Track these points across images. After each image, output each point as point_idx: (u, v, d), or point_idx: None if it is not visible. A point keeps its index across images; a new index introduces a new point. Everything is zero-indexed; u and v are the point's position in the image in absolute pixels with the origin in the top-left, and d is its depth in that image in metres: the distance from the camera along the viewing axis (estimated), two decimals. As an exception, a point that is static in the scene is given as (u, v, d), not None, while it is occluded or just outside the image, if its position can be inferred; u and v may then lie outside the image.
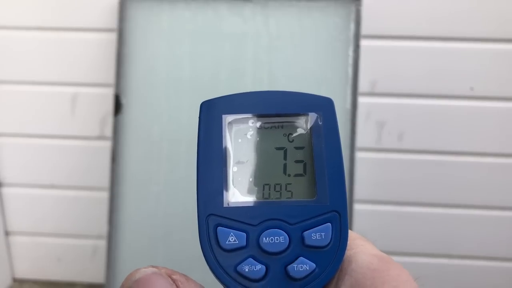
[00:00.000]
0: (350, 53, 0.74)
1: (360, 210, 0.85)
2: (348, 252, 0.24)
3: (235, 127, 0.26)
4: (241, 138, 0.26)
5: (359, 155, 0.82)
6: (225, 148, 0.25)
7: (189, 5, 0.76)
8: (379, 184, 0.84)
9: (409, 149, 0.82)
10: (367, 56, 0.77)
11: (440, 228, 0.86)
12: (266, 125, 0.26)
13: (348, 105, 0.74)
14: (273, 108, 0.26)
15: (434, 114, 0.81)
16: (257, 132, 0.26)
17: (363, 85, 0.79)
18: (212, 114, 0.25)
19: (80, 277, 0.96)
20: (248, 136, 0.26)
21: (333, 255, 0.23)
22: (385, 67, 0.79)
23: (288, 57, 0.75)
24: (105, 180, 0.84)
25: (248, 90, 0.78)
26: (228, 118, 0.25)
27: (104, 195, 0.85)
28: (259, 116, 0.26)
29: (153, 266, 0.23)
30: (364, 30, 0.76)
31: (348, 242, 0.24)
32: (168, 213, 0.77)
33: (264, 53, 0.75)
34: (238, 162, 0.25)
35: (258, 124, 0.26)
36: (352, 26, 0.74)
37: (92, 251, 0.93)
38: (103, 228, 0.82)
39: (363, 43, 0.76)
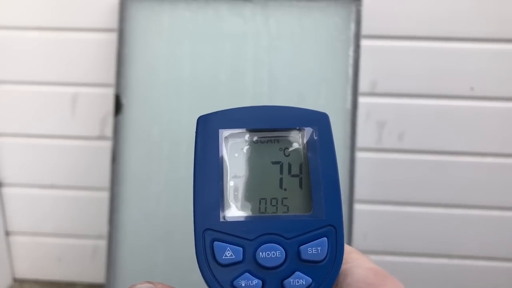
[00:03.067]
0: (351, 53, 0.74)
1: (360, 210, 0.85)
2: (344, 266, 0.24)
3: (231, 142, 0.26)
4: (237, 153, 0.26)
5: (359, 155, 0.82)
6: (222, 162, 0.25)
7: (190, 5, 0.76)
8: (379, 184, 0.84)
9: (409, 149, 0.82)
10: (367, 56, 0.77)
11: (440, 228, 0.86)
12: (262, 140, 0.26)
13: (348, 105, 0.74)
14: (269, 122, 0.26)
15: (434, 114, 0.81)
16: (253, 146, 0.26)
17: (363, 85, 0.79)
18: (209, 128, 0.26)
19: (80, 277, 0.96)
20: (245, 151, 0.26)
21: (329, 270, 0.23)
22: (385, 67, 0.79)
23: (288, 57, 0.75)
24: (105, 180, 0.84)
25: (248, 91, 0.78)
26: (224, 133, 0.26)
27: (104, 195, 0.85)
28: (256, 130, 0.26)
29: (149, 282, 0.23)
30: (364, 30, 0.76)
31: (343, 256, 0.24)
32: (168, 213, 0.77)
33: (264, 53, 0.75)
34: (234, 176, 0.25)
35: (255, 138, 0.26)
36: (352, 26, 0.74)
37: (92, 251, 0.93)
38: (103, 228, 0.82)
39: (364, 43, 0.76)
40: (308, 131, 0.26)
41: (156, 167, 0.77)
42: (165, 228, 0.77)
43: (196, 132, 0.26)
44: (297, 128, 0.26)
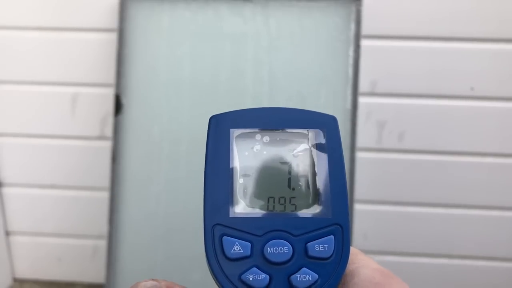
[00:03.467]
0: (351, 53, 0.74)
1: (360, 210, 0.85)
2: (351, 266, 0.24)
3: (242, 141, 0.27)
4: (247, 152, 0.26)
5: (359, 155, 0.82)
6: (232, 160, 0.26)
7: (190, 5, 0.76)
8: (379, 184, 0.84)
9: (409, 149, 0.83)
10: (367, 56, 0.77)
11: (440, 228, 0.86)
12: (272, 140, 0.27)
13: (348, 105, 0.74)
14: (279, 123, 0.27)
15: (434, 114, 0.81)
16: (263, 146, 0.27)
17: (363, 85, 0.79)
18: (220, 128, 0.26)
19: (80, 277, 0.96)
20: (255, 150, 0.27)
21: (335, 267, 0.24)
22: (386, 67, 0.79)
23: (288, 57, 0.75)
24: (105, 180, 0.84)
25: (248, 91, 0.78)
26: (235, 132, 0.26)
27: (104, 195, 0.85)
28: (266, 131, 0.27)
29: (153, 279, 0.23)
30: (364, 30, 0.76)
31: (350, 257, 0.24)
32: (168, 213, 0.77)
33: (265, 53, 0.75)
34: (244, 175, 0.26)
35: (265, 138, 0.27)
36: (352, 26, 0.74)
37: (92, 251, 0.93)
38: (103, 228, 0.82)
39: (364, 43, 0.76)
40: (317, 133, 0.27)
41: (156, 167, 0.77)
42: (165, 228, 0.77)
43: (208, 131, 0.26)
44: (306, 129, 0.27)
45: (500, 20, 0.76)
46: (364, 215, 0.85)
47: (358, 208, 0.85)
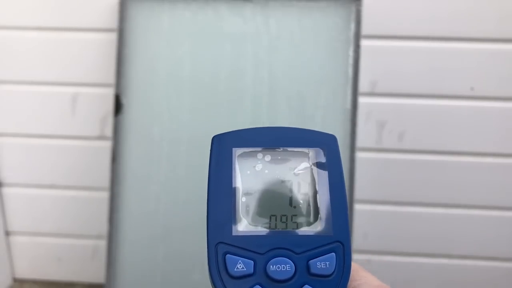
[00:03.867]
0: (351, 53, 0.74)
1: (360, 210, 0.85)
2: (353, 283, 0.25)
3: (244, 160, 0.27)
4: (249, 170, 0.27)
5: (359, 155, 0.82)
6: (235, 179, 0.26)
7: (190, 5, 0.76)
8: (379, 184, 0.84)
9: (409, 149, 0.83)
10: (367, 56, 0.77)
11: (440, 228, 0.86)
12: (274, 159, 0.27)
13: (348, 105, 0.74)
14: (280, 142, 0.27)
15: (434, 114, 0.81)
16: (265, 165, 0.27)
17: (363, 85, 0.79)
18: (223, 147, 0.27)
19: (80, 277, 0.96)
20: (257, 169, 0.27)
21: (337, 284, 0.24)
22: (386, 67, 0.79)
23: (288, 57, 0.75)
24: (105, 180, 0.84)
25: (248, 91, 0.79)
26: (238, 151, 0.27)
27: (104, 195, 0.85)
28: (267, 150, 0.27)
29: None
30: (364, 30, 0.76)
31: (351, 273, 0.25)
32: (168, 213, 0.77)
33: (264, 53, 0.75)
34: (246, 193, 0.27)
35: (266, 157, 0.27)
36: (352, 26, 0.74)
37: (92, 251, 0.93)
38: (103, 228, 0.82)
39: (364, 43, 0.76)
40: (317, 151, 0.27)
41: (156, 167, 0.77)
42: (165, 227, 0.77)
43: (210, 150, 0.27)
44: (307, 148, 0.27)
45: (500, 20, 0.76)
46: (364, 215, 0.85)
47: (358, 208, 0.85)
